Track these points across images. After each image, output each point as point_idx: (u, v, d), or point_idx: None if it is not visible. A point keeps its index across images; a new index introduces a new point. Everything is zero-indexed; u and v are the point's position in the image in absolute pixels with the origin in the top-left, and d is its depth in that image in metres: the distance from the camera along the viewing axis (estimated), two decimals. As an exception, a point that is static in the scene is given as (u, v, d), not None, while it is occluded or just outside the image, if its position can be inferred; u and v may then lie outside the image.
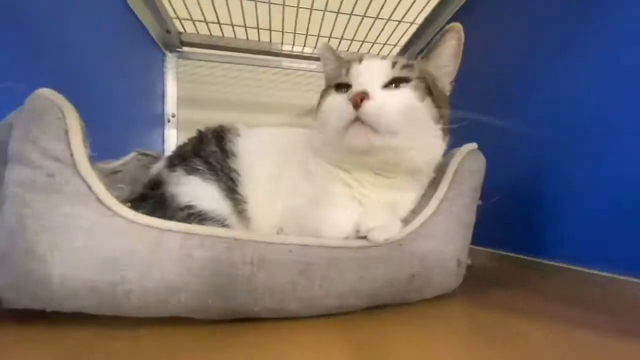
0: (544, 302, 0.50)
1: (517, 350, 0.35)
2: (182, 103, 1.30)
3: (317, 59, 1.37)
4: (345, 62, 0.51)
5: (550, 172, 0.65)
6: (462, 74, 0.53)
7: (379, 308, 0.44)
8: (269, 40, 1.24)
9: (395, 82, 0.46)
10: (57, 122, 0.38)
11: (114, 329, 0.37)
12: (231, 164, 0.54)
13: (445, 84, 0.51)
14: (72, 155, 0.38)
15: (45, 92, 0.39)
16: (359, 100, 0.41)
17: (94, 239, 0.36)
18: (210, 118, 1.30)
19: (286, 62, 1.35)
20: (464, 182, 0.49)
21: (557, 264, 0.63)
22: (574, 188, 0.62)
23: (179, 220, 0.51)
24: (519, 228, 0.70)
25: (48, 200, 0.37)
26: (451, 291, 0.50)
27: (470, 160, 0.50)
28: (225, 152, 0.55)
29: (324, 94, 0.52)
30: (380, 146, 0.43)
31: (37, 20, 0.65)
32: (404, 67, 0.46)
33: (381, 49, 1.31)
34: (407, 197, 0.49)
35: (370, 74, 0.45)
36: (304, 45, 1.28)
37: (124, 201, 0.43)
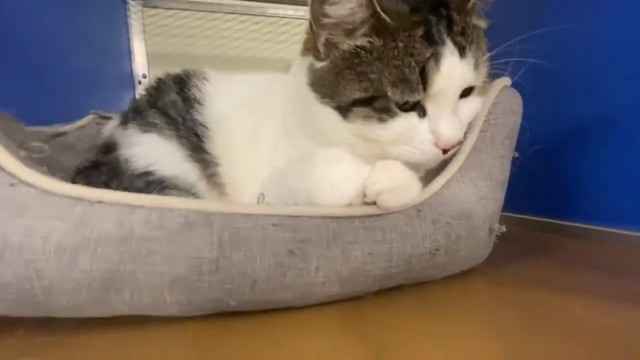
0: (586, 272, 0.42)
1: (569, 341, 0.27)
2: (152, 61, 1.13)
3: (306, 4, 1.19)
4: (388, 27, 0.31)
5: (593, 119, 0.55)
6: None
7: (390, 290, 0.35)
8: (248, -18, 1.06)
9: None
10: None
11: (45, 334, 0.28)
12: (196, 115, 0.42)
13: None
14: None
15: None
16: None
17: (-12, 219, 0.25)
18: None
19: (271, 9, 1.17)
20: (497, 128, 0.38)
21: (591, 226, 0.54)
22: (619, 140, 0.52)
23: (137, 190, 0.41)
24: (548, 187, 0.60)
25: None
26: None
27: (505, 98, 0.39)
28: (189, 101, 0.43)
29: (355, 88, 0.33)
30: None
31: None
32: (483, 62, 0.34)
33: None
34: None
35: (453, 92, 0.33)
36: (290, -12, 1.10)
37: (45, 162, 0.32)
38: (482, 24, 0.36)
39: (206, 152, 0.41)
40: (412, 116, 0.33)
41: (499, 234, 0.39)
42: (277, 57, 1.20)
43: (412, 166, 0.35)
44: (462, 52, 0.32)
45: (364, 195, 0.32)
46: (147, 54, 1.13)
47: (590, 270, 0.43)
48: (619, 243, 0.50)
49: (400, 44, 0.31)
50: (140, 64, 1.13)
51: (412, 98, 0.32)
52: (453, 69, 0.32)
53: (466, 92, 0.35)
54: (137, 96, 1.13)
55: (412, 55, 0.31)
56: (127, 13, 1.08)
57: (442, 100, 0.33)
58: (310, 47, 0.36)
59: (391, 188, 0.31)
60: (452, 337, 0.28)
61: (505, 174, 0.39)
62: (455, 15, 0.32)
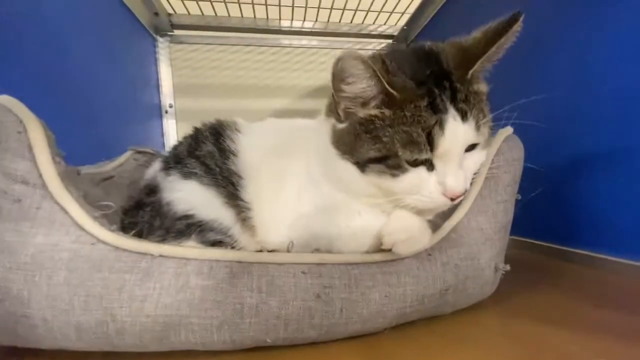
0: (589, 304, 0.44)
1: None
2: (178, 92, 1.22)
3: (319, 34, 1.26)
4: (396, 99, 0.36)
5: (601, 149, 0.57)
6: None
7: (405, 324, 0.39)
8: (265, 17, 1.14)
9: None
10: (18, 137, 0.32)
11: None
12: (231, 166, 0.48)
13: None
14: (40, 175, 0.32)
15: (3, 100, 0.33)
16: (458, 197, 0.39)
17: (75, 273, 0.31)
18: (210, 106, 1.24)
19: (285, 40, 1.25)
20: (501, 175, 0.42)
21: (596, 254, 0.57)
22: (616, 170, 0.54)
23: (178, 231, 0.47)
24: (555, 214, 0.63)
25: (18, 230, 0.31)
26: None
27: (507, 148, 0.43)
28: (224, 152, 0.49)
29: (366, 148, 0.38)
30: None
31: (13, 8, 0.57)
32: (484, 123, 0.39)
33: (388, 18, 1.20)
34: None
35: (458, 151, 0.38)
36: (304, 20, 1.17)
37: (111, 217, 0.38)
38: (484, 88, 0.40)
39: (240, 199, 0.46)
40: (421, 170, 0.38)
41: (504, 272, 0.42)
42: (292, 84, 1.27)
43: (426, 210, 0.40)
44: (464, 116, 0.36)
45: (381, 244, 0.36)
46: (173, 85, 1.21)
47: (594, 302, 0.45)
48: (625, 272, 0.52)
49: (408, 114, 0.36)
50: (167, 95, 1.21)
51: (420, 157, 0.37)
52: (456, 132, 0.36)
53: (471, 147, 0.39)
54: (164, 124, 1.23)
55: (419, 122, 0.36)
56: (156, 49, 1.18)
57: (448, 157, 0.37)
58: (333, 110, 0.41)
59: (405, 238, 0.35)
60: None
61: (509, 217, 0.43)
62: (458, 85, 0.37)
